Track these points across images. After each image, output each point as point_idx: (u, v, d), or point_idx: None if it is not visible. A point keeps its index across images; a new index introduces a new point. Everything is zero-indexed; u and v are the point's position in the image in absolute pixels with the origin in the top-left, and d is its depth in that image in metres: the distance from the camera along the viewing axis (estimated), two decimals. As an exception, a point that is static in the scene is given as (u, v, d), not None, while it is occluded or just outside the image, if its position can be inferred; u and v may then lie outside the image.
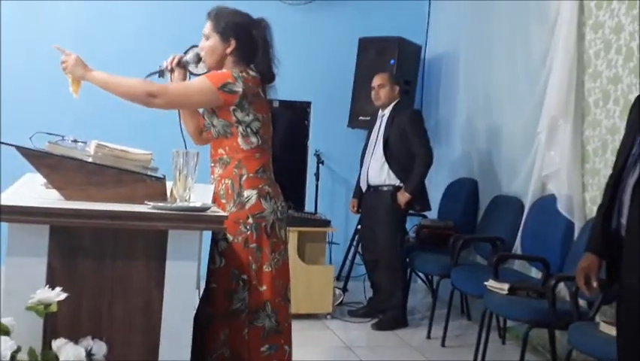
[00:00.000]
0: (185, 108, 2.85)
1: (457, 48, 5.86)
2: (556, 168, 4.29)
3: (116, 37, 5.70)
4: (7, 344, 1.84)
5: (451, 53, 5.95)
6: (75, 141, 2.35)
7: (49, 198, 2.21)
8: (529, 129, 4.64)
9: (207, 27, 2.74)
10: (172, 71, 2.80)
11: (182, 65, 2.81)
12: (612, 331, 2.84)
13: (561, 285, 3.72)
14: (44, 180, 2.33)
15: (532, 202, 4.51)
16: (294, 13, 5.92)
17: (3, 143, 2.16)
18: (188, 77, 2.86)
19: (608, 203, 2.64)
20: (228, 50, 2.71)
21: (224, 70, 2.71)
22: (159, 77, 2.80)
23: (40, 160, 2.21)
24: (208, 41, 2.73)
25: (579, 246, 3.57)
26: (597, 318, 3.26)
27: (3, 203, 2.04)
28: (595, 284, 2.68)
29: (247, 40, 2.73)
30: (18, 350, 1.87)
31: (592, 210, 3.73)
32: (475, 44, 5.58)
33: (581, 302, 3.54)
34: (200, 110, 2.82)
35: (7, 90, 5.43)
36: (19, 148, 2.17)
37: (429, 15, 6.23)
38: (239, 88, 2.64)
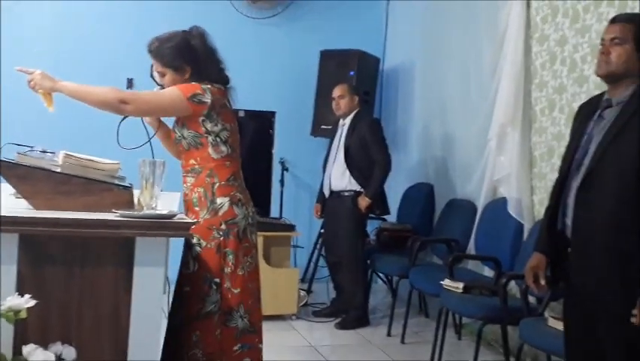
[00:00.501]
0: (155, 115, 2.81)
1: (413, 60, 5.90)
2: (506, 172, 4.33)
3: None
4: (-25, 352, 1.80)
5: (407, 64, 5.99)
6: (44, 152, 2.31)
7: (19, 207, 2.18)
8: (481, 136, 4.68)
9: (157, 65, 2.71)
10: None
11: None
12: (560, 326, 2.88)
13: (512, 283, 3.76)
14: (13, 190, 2.29)
15: (485, 205, 4.54)
16: (259, 27, 5.90)
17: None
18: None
19: (554, 205, 2.67)
20: (187, 76, 2.69)
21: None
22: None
23: (9, 171, 2.18)
24: (166, 77, 2.70)
25: (528, 246, 3.61)
26: (546, 314, 3.29)
27: (-27, 213, 2.01)
28: (543, 282, 2.70)
29: (194, 58, 2.70)
30: (-12, 356, 1.84)
31: (540, 212, 3.77)
32: (429, 57, 5.63)
33: (531, 299, 3.57)
34: (171, 125, 2.79)
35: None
36: (-15, 160, 2.14)
37: (386, 29, 6.26)
38: (207, 99, 2.63)
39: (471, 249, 4.53)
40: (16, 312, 1.86)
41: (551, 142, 4.11)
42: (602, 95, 2.61)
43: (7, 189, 2.34)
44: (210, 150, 2.66)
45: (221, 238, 2.64)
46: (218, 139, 2.67)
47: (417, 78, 5.82)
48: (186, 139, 2.68)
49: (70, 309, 2.07)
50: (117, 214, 2.12)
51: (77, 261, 2.08)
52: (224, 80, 2.78)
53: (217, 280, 2.63)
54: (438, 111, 5.44)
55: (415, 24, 5.86)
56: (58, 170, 2.20)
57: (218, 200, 2.66)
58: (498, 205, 4.42)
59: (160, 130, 2.86)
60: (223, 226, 2.65)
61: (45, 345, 1.92)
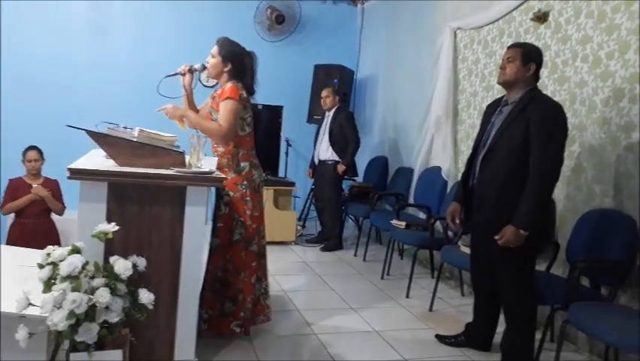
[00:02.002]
0: (237, 122, 2.61)
1: (376, 72, 5.85)
2: (441, 149, 4.33)
3: (156, 40, 5.53)
4: (78, 259, 1.82)
5: (373, 75, 5.93)
6: (125, 127, 2.30)
7: (108, 164, 2.17)
8: (421, 125, 4.68)
9: (214, 49, 2.65)
10: (184, 74, 2.71)
11: (191, 71, 2.71)
12: (467, 250, 2.93)
13: (438, 222, 3.81)
14: (104, 153, 2.29)
15: (421, 171, 4.56)
16: (273, 47, 5.84)
17: (79, 128, 2.08)
18: (195, 79, 2.77)
19: (467, 170, 2.70)
20: (226, 69, 2.64)
21: (228, 84, 2.59)
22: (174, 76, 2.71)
23: (102, 139, 2.17)
24: (213, 59, 2.65)
25: (449, 197, 3.64)
26: (459, 243, 3.32)
27: (78, 167, 2.01)
28: (458, 221, 2.75)
29: (239, 64, 2.65)
30: (86, 263, 1.85)
31: (458, 176, 3.80)
32: (388, 70, 5.57)
33: (449, 233, 3.63)
34: (207, 107, 2.74)
35: (75, 86, 5.27)
36: (88, 132, 2.12)
37: (359, 51, 6.19)
38: (245, 95, 2.61)
39: (411, 200, 4.56)
40: (105, 234, 1.88)
41: (468, 130, 4.12)
42: (503, 97, 2.62)
43: (101, 153, 2.35)
44: (238, 129, 2.62)
45: (244, 190, 2.64)
46: (244, 122, 2.64)
47: (379, 85, 5.76)
48: None
49: (142, 233, 2.08)
50: (174, 170, 2.13)
51: (147, 201, 2.08)
52: (252, 91, 2.71)
53: (241, 218, 2.63)
54: (392, 107, 5.41)
55: (378, 48, 5.79)
56: (135, 140, 2.20)
57: (242, 164, 2.65)
58: (429, 171, 4.44)
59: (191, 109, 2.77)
60: (245, 182, 2.64)
61: (125, 257, 1.94)
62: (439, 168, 4.29)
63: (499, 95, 2.74)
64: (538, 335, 2.60)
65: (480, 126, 2.71)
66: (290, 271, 4.20)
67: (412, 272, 3.70)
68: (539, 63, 2.49)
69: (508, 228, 2.34)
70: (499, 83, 2.57)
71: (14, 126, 4.95)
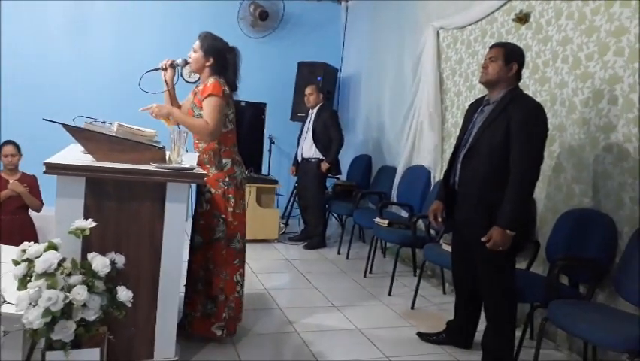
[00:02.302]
0: (222, 119, 2.57)
1: (360, 71, 5.85)
2: (426, 148, 4.32)
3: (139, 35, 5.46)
4: (55, 256, 1.78)
5: (356, 73, 5.93)
6: (104, 122, 2.26)
7: (86, 159, 2.13)
8: (403, 124, 4.69)
9: (196, 44, 2.61)
10: (165, 69, 2.67)
11: (173, 66, 2.67)
12: (449, 248, 2.94)
13: (420, 221, 3.82)
14: (82, 148, 2.24)
15: (404, 170, 4.57)
16: (257, 44, 5.80)
17: (55, 122, 2.03)
18: (177, 75, 2.73)
19: (449, 169, 2.71)
20: (207, 64, 2.59)
21: (210, 79, 2.55)
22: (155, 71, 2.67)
23: (79, 134, 2.13)
24: (195, 54, 2.61)
25: (431, 196, 3.66)
26: (441, 241, 3.33)
27: (55, 162, 1.97)
28: (440, 220, 2.75)
29: (221, 59, 2.61)
30: (63, 260, 1.81)
31: (441, 175, 3.82)
32: (371, 69, 5.58)
33: (431, 231, 3.64)
34: (189, 102, 2.69)
35: (57, 83, 5.17)
36: (65, 126, 2.08)
37: (343, 49, 6.19)
38: (227, 91, 2.57)
39: (394, 198, 4.57)
40: (82, 230, 1.85)
41: (450, 129, 4.15)
42: (484, 96, 2.63)
43: (78, 148, 2.30)
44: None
45: (225, 187, 2.60)
46: (226, 118, 2.60)
47: (362, 83, 5.77)
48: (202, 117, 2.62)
49: (120, 229, 2.05)
50: (154, 166, 2.10)
51: (126, 197, 2.05)
52: (234, 87, 2.68)
53: (223, 216, 2.59)
54: (376, 106, 5.41)
55: (362, 46, 5.79)
56: (114, 134, 2.16)
57: (224, 160, 2.62)
58: (412, 170, 4.45)
59: (173, 104, 2.74)
60: (227, 179, 2.61)
61: (103, 253, 1.90)
62: (421, 167, 4.30)
63: (481, 95, 2.76)
64: (518, 333, 2.62)
65: (462, 125, 2.72)
66: (272, 269, 4.18)
67: (395, 270, 3.71)
68: (521, 63, 2.51)
69: (494, 229, 2.35)
70: (481, 83, 2.59)
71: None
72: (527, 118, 2.36)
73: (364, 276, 4.09)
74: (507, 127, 2.37)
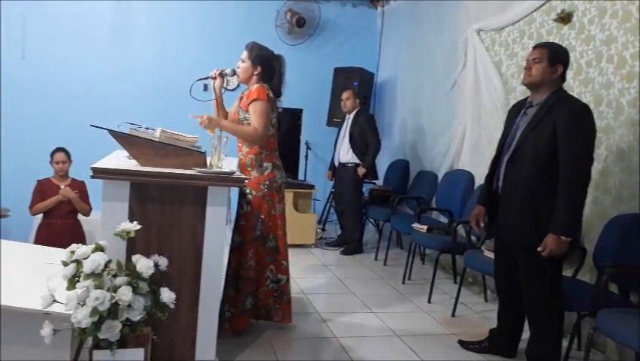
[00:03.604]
0: (269, 123, 2.67)
1: (396, 75, 5.82)
2: (468, 153, 4.27)
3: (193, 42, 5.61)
4: (101, 257, 1.83)
5: (393, 77, 5.90)
6: (147, 128, 2.32)
7: (131, 164, 2.20)
8: (442, 128, 4.63)
9: (244, 54, 2.71)
10: (215, 78, 2.78)
11: (222, 75, 2.78)
12: (491, 255, 2.87)
13: (460, 226, 3.74)
14: (127, 154, 2.31)
15: (444, 174, 4.50)
16: (293, 51, 5.84)
17: (102, 128, 2.10)
18: (225, 83, 2.82)
19: (491, 172, 2.65)
20: (255, 72, 2.69)
21: (255, 85, 2.66)
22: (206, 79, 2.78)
23: (125, 140, 2.19)
24: (243, 64, 2.71)
25: (472, 202, 3.59)
26: (482, 247, 3.26)
27: (101, 166, 2.04)
28: (482, 225, 2.70)
29: (268, 68, 2.71)
30: (109, 261, 1.87)
31: (481, 179, 3.73)
32: (408, 73, 5.54)
33: (472, 237, 3.57)
34: (235, 107, 2.78)
35: (102, 92, 5.36)
36: (111, 132, 2.15)
37: (379, 53, 6.17)
38: (271, 95, 2.66)
39: (433, 205, 4.51)
40: (127, 233, 1.90)
41: (491, 132, 4.05)
42: (527, 98, 2.57)
43: (123, 153, 2.37)
44: None
45: (265, 190, 2.68)
46: (270, 123, 2.66)
47: (399, 87, 5.73)
48: (248, 120, 2.67)
49: (163, 232, 2.09)
50: (196, 171, 2.14)
51: (169, 201, 2.10)
52: (279, 94, 2.77)
53: (262, 216, 2.68)
54: (413, 110, 5.37)
55: (398, 50, 5.76)
56: (157, 140, 2.21)
57: (265, 164, 2.70)
58: (452, 174, 4.38)
59: (220, 112, 2.85)
60: (267, 182, 2.69)
61: (147, 255, 1.95)
62: (462, 171, 4.23)
63: (521, 97, 2.69)
64: (565, 343, 2.53)
65: (504, 128, 2.66)
66: (310, 273, 4.18)
67: (434, 277, 3.65)
68: (566, 64, 2.44)
69: (549, 237, 2.28)
70: (523, 84, 2.52)
71: (43, 128, 5.06)
72: (574, 119, 2.28)
73: (403, 283, 4.04)
74: (552, 130, 2.30)
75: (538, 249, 2.30)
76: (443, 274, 4.25)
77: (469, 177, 4.14)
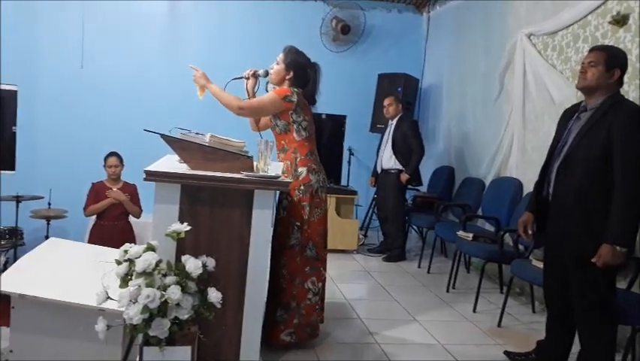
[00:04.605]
0: (262, 115, 2.82)
1: (441, 80, 5.75)
2: (515, 161, 4.17)
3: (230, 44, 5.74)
4: (153, 256, 1.89)
5: (438, 83, 5.84)
6: (197, 133, 2.38)
7: (181, 168, 2.26)
8: (489, 134, 4.54)
9: (280, 57, 2.73)
10: (248, 78, 2.80)
11: (255, 75, 2.80)
12: (540, 265, 2.79)
13: (507, 235, 3.65)
14: (178, 158, 2.38)
15: (491, 181, 4.41)
16: (337, 58, 5.89)
17: (154, 132, 2.17)
18: (258, 84, 2.83)
19: (541, 179, 2.57)
20: (288, 77, 2.71)
21: (283, 86, 2.70)
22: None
23: (176, 144, 2.27)
24: (277, 66, 2.73)
25: (520, 209, 3.49)
26: (530, 256, 3.16)
27: (153, 169, 2.11)
28: (530, 233, 2.62)
29: (301, 74, 2.72)
30: (160, 261, 1.93)
31: (529, 186, 3.63)
32: (454, 78, 5.46)
33: (520, 246, 3.47)
34: (270, 117, 2.79)
35: (153, 98, 5.55)
36: (163, 136, 2.22)
37: (424, 59, 6.12)
38: (294, 99, 2.65)
39: (478, 212, 4.41)
40: (178, 233, 1.95)
41: (542, 138, 3.91)
42: (580, 102, 2.49)
43: (174, 158, 2.45)
44: (294, 134, 2.68)
45: (301, 195, 2.65)
46: (299, 127, 2.67)
47: (444, 93, 5.66)
48: (279, 126, 2.70)
49: (212, 233, 2.14)
50: (243, 175, 2.18)
51: (217, 203, 2.14)
52: (313, 102, 2.78)
53: (298, 223, 2.64)
54: (459, 116, 5.28)
55: (444, 55, 5.69)
56: (207, 144, 2.27)
57: (299, 169, 2.67)
58: (499, 181, 4.29)
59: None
60: (302, 187, 2.65)
61: (196, 256, 1.99)
62: (510, 178, 4.13)
63: (574, 102, 2.60)
64: (617, 358, 2.42)
65: (555, 133, 2.58)
66: (352, 279, 4.18)
67: (480, 286, 3.57)
68: (623, 68, 2.34)
69: (603, 247, 2.19)
70: (578, 88, 2.44)
71: (98, 133, 5.30)
72: (630, 123, 2.19)
73: (447, 291, 3.97)
74: (607, 135, 2.22)
75: (593, 260, 2.21)
76: (489, 283, 4.15)
77: (517, 185, 4.04)
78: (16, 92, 5.36)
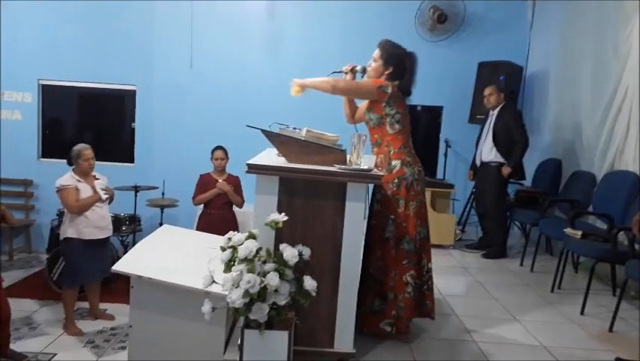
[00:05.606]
0: (354, 96, 2.88)
1: (548, 68, 5.36)
2: (632, 154, 3.81)
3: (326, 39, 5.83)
4: (253, 244, 2.01)
5: (544, 71, 5.45)
6: (294, 128, 2.47)
7: (280, 161, 2.36)
8: (601, 125, 4.17)
9: (376, 53, 2.73)
10: (347, 73, 2.84)
11: (353, 71, 2.83)
12: (660, 266, 2.53)
13: (621, 233, 3.34)
14: (276, 152, 2.49)
15: (603, 175, 4.06)
16: (435, 48, 5.73)
17: (256, 127, 2.29)
18: (356, 80, 2.86)
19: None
20: (387, 72, 2.70)
21: (381, 78, 2.71)
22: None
23: (276, 138, 2.37)
24: (375, 63, 2.73)
25: (636, 206, 3.18)
26: (649, 257, 2.89)
27: (255, 162, 2.23)
28: (648, 232, 2.39)
29: (400, 68, 2.70)
30: (260, 248, 2.04)
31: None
32: (562, 65, 5.06)
33: (637, 246, 3.16)
34: (363, 105, 2.83)
35: (255, 95, 5.82)
36: (264, 131, 2.34)
37: (529, 45, 5.75)
38: (388, 90, 2.64)
39: (589, 209, 4.08)
40: (276, 223, 2.05)
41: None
42: None
43: (273, 151, 2.56)
44: (388, 127, 2.67)
45: (395, 189, 2.63)
46: (393, 120, 2.66)
47: (551, 81, 5.27)
48: (372, 120, 2.71)
49: (307, 224, 2.22)
50: (337, 167, 2.23)
51: (313, 195, 2.22)
52: (408, 93, 2.74)
53: (392, 216, 2.63)
54: (568, 106, 4.89)
55: (552, 42, 5.29)
56: (303, 139, 2.35)
57: (393, 162, 2.66)
58: (613, 175, 3.94)
59: (350, 108, 2.95)
60: (396, 180, 2.64)
61: (292, 245, 2.09)
62: (625, 172, 3.78)
63: None
64: None
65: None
66: (449, 275, 4.08)
67: (589, 287, 3.32)
68: None
69: None
70: None
71: (205, 128, 5.68)
72: None
73: (552, 291, 3.74)
74: None
75: None
76: (599, 284, 3.83)
77: (634, 179, 3.67)
78: (135, 91, 5.93)
